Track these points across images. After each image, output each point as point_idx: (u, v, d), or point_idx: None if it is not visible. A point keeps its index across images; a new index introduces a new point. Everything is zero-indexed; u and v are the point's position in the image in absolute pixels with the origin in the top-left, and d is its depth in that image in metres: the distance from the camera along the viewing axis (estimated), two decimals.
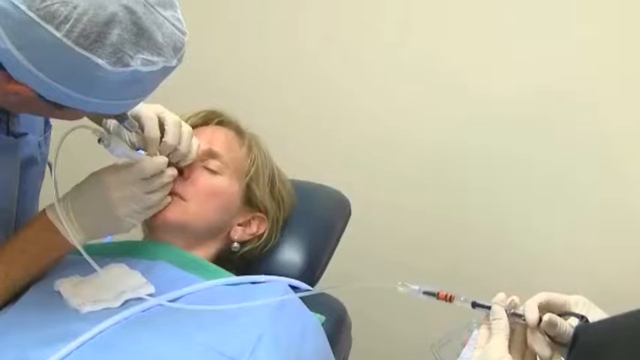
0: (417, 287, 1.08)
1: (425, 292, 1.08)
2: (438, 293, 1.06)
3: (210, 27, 2.05)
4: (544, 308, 1.00)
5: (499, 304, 1.02)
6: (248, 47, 2.14)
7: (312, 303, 1.31)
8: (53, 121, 1.32)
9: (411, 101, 2.02)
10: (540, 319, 0.98)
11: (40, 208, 1.26)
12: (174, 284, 1.23)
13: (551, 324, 0.96)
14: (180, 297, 1.22)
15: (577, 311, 0.99)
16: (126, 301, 1.19)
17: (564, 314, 0.99)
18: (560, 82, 1.87)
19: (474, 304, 1.05)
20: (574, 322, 0.98)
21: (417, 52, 1.98)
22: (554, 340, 0.97)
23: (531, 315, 0.98)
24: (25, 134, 1.25)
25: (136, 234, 1.39)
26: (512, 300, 1.02)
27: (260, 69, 2.14)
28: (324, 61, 2.07)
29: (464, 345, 1.75)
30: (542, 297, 1.01)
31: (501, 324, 1.00)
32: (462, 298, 1.06)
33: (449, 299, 1.06)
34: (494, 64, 1.93)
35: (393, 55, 2.00)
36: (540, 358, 0.99)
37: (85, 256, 1.15)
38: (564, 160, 1.91)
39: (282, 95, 2.11)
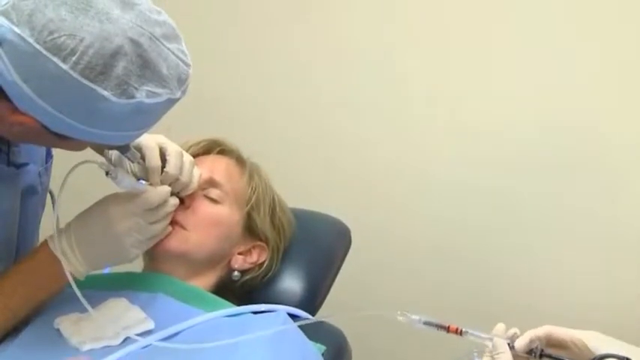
0: (417, 317, 1.07)
1: (425, 323, 1.07)
2: (449, 327, 1.06)
3: (213, 57, 2.06)
4: (546, 342, 1.00)
5: (500, 336, 1.02)
6: (249, 77, 2.15)
7: (313, 332, 1.31)
8: (56, 151, 1.32)
9: (413, 131, 2.03)
10: (531, 350, 0.99)
11: (41, 236, 1.26)
12: (174, 318, 1.23)
13: None
14: (181, 331, 1.21)
15: (592, 346, 0.98)
16: (126, 338, 1.18)
17: (605, 357, 0.97)
18: (563, 117, 1.88)
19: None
20: None
21: (418, 84, 1.99)
22: None
23: (521, 342, 0.99)
24: (26, 164, 1.25)
25: (135, 262, 1.39)
26: (515, 333, 1.02)
27: (261, 98, 2.15)
28: (324, 90, 2.08)
29: None
30: (543, 330, 1.01)
31: (504, 357, 1.00)
32: (471, 331, 1.05)
33: (459, 333, 1.05)
34: (495, 96, 1.94)
35: (393, 85, 2.01)
36: None
37: (80, 295, 1.15)
38: (569, 194, 1.92)
39: (283, 124, 2.12)
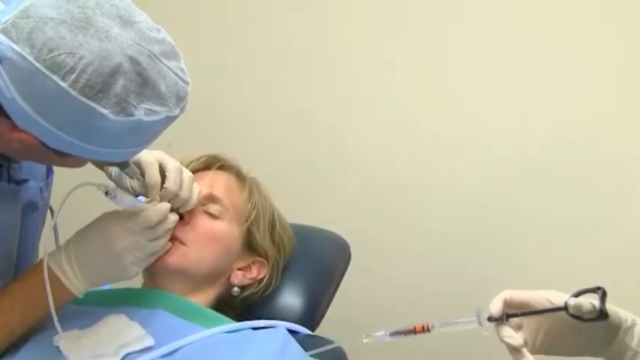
0: (382, 332, 1.06)
1: (392, 334, 1.06)
2: (415, 328, 1.05)
3: (213, 73, 2.07)
4: (511, 306, 1.02)
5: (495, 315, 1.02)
6: (249, 93, 2.16)
7: (312, 348, 1.31)
8: (56, 168, 1.32)
9: (414, 146, 2.03)
10: (506, 314, 1.00)
11: (40, 252, 1.26)
12: (173, 334, 1.22)
13: (577, 307, 0.98)
14: (180, 348, 1.21)
15: (553, 300, 1.02)
16: (125, 355, 1.18)
17: (580, 293, 1.01)
18: (560, 131, 1.89)
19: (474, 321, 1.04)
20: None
21: (418, 98, 2.00)
22: (583, 319, 0.98)
23: (495, 307, 1.01)
24: (27, 180, 1.25)
25: (135, 278, 1.39)
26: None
27: (261, 114, 2.16)
28: (326, 106, 2.09)
29: None
30: (506, 294, 1.03)
31: (515, 340, 1.00)
32: (438, 324, 1.05)
33: (427, 329, 1.05)
34: (496, 112, 1.95)
35: (393, 100, 2.02)
36: (512, 346, 1.00)
37: (57, 323, 1.14)
38: (565, 207, 1.92)
39: (284, 140, 2.13)
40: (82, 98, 0.94)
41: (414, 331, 1.05)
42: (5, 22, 0.95)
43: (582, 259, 1.92)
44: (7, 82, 0.94)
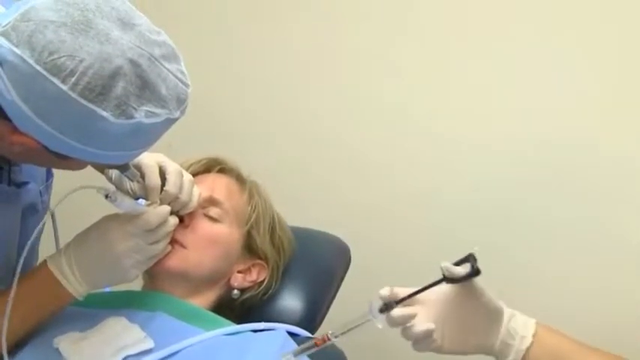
0: (286, 357, 1.08)
1: (296, 353, 1.09)
2: (315, 342, 1.08)
3: (213, 75, 2.07)
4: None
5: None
6: (250, 95, 2.16)
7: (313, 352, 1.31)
8: (56, 170, 1.32)
9: (412, 148, 2.03)
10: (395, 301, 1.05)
11: (40, 255, 1.26)
12: (173, 337, 1.23)
13: (447, 268, 1.05)
14: (180, 350, 1.21)
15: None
16: (125, 358, 1.18)
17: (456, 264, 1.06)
18: (560, 133, 1.89)
19: (362, 320, 1.07)
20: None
21: (418, 101, 2.00)
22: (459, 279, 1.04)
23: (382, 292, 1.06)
24: (27, 183, 1.25)
25: (135, 281, 1.39)
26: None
27: (261, 116, 2.16)
28: (326, 109, 2.09)
29: None
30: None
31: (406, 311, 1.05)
32: (335, 332, 1.08)
33: (327, 339, 1.07)
34: (493, 115, 1.95)
35: (393, 104, 2.02)
36: (405, 318, 1.05)
37: None
38: (565, 208, 1.92)
39: (283, 142, 2.13)
40: (82, 101, 0.94)
41: (315, 345, 1.07)
42: (5, 25, 0.95)
43: (581, 259, 1.92)
44: (8, 84, 0.94)
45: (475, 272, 1.02)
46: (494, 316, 1.08)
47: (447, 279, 1.04)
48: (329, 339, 1.06)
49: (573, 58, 1.86)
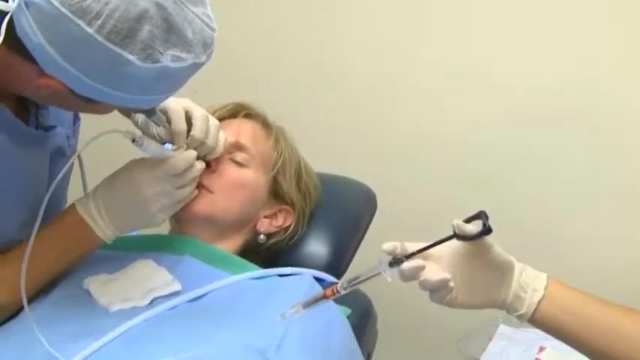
0: (294, 309, 1.06)
1: (305, 305, 1.07)
2: (325, 294, 1.06)
3: (239, 20, 2.05)
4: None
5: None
6: (275, 40, 2.14)
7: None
8: (83, 115, 1.32)
9: (439, 96, 2.01)
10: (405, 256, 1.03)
11: (69, 200, 1.27)
12: (200, 280, 1.24)
13: (459, 225, 1.03)
14: (207, 293, 1.22)
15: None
16: (154, 299, 1.20)
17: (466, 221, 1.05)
18: (584, 77, 1.88)
19: (372, 274, 1.05)
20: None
21: (439, 46, 1.98)
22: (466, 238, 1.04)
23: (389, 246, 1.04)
24: (54, 127, 1.26)
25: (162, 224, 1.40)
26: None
27: (287, 62, 2.14)
28: (352, 53, 2.07)
29: (490, 339, 1.76)
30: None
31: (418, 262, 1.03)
32: (344, 284, 1.06)
33: (336, 291, 1.06)
34: (518, 58, 1.93)
35: (415, 47, 2.00)
36: (418, 269, 1.03)
37: None
38: (585, 153, 1.92)
39: (310, 87, 2.11)
40: (108, 44, 0.94)
41: (325, 297, 1.07)
42: None
43: (597, 204, 1.94)
44: (34, 27, 0.94)
45: (487, 231, 1.02)
46: (504, 270, 1.08)
47: (458, 236, 1.04)
48: (338, 291, 1.06)
49: (594, 4, 1.83)
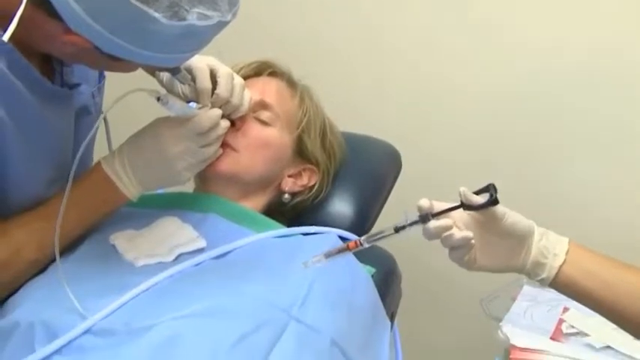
0: (316, 258, 1.08)
1: (327, 255, 1.08)
2: (347, 245, 1.08)
3: None
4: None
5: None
6: None
7: (362, 255, 1.31)
8: (108, 73, 1.32)
9: (464, 53, 1.99)
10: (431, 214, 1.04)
11: (95, 158, 1.28)
12: (224, 237, 1.24)
13: (465, 194, 1.04)
14: (232, 250, 1.23)
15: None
16: (179, 255, 1.21)
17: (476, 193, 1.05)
18: (610, 37, 1.86)
19: (397, 229, 1.07)
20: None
21: (471, 9, 1.95)
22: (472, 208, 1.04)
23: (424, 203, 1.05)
24: (79, 85, 1.26)
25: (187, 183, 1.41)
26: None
27: (312, 19, 2.12)
28: (377, 10, 2.04)
29: (513, 300, 1.76)
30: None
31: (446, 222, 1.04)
32: (368, 238, 1.08)
33: (360, 244, 1.08)
34: (545, 17, 1.90)
35: (447, 10, 1.98)
36: (445, 228, 1.04)
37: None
38: (613, 112, 1.90)
39: (335, 46, 2.09)
40: (133, 1, 0.94)
41: (347, 249, 1.08)
42: None
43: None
44: None
45: (492, 202, 1.03)
46: (521, 238, 1.07)
47: (465, 205, 1.04)
48: (361, 244, 1.07)
49: None
